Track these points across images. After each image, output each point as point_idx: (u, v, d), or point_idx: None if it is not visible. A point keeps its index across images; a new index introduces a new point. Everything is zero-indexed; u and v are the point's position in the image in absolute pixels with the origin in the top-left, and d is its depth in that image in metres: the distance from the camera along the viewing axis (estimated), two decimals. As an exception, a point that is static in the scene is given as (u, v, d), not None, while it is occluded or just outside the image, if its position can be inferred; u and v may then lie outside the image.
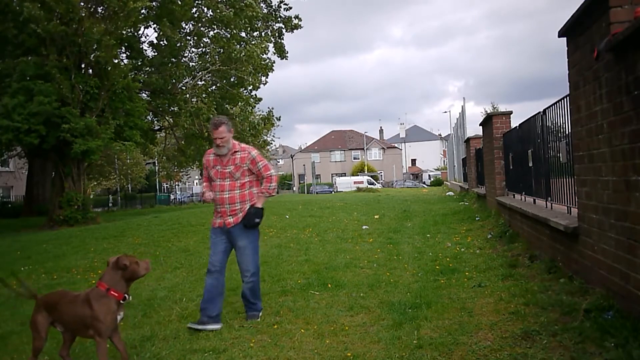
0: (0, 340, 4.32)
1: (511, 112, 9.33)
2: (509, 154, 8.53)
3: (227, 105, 23.12)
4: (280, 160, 77.72)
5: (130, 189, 48.58)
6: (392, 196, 21.21)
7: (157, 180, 50.54)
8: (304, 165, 56.71)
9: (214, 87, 22.86)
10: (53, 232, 13.86)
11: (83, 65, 17.67)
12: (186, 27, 21.36)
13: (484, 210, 10.52)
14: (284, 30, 22.80)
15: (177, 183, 58.55)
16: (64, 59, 16.19)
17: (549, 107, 5.58)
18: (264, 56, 21.66)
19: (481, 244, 7.32)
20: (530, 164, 6.66)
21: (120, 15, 16.26)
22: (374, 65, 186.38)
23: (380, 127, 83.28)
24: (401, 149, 72.65)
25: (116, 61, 17.68)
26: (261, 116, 26.55)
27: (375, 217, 11.90)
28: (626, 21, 3.16)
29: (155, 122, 24.70)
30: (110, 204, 41.88)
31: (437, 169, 65.82)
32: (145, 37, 22.29)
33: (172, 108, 22.11)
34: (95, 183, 42.10)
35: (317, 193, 40.49)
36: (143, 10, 17.80)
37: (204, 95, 21.90)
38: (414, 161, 77.14)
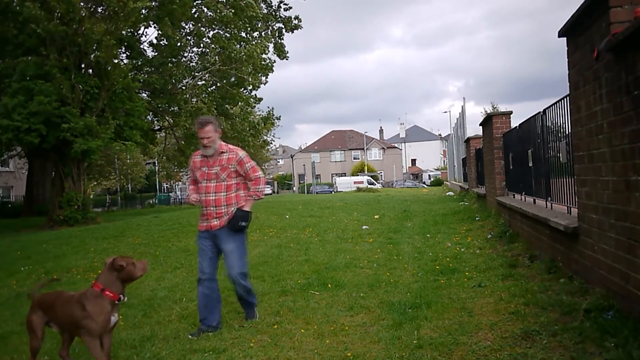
0: (0, 340, 4.33)
1: (511, 112, 9.33)
2: (509, 154, 8.53)
3: (227, 105, 23.08)
4: (280, 160, 77.79)
5: (130, 189, 48.58)
6: (392, 196, 21.23)
7: (157, 180, 50.53)
8: (304, 165, 56.72)
9: (214, 87, 22.83)
10: (53, 232, 13.86)
11: (83, 65, 17.67)
12: (186, 27, 21.37)
13: (484, 210, 10.52)
14: (283, 31, 22.79)
15: (177, 183, 58.49)
16: (64, 59, 16.19)
17: (549, 107, 5.59)
18: (264, 56, 21.67)
19: (481, 244, 7.32)
20: (530, 164, 6.66)
21: (120, 15, 16.26)
22: (374, 66, 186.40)
23: (380, 127, 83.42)
24: (401, 149, 72.62)
25: (116, 61, 17.69)
26: (261, 116, 26.61)
27: (375, 217, 11.91)
28: (626, 21, 3.16)
29: (155, 122, 24.69)
30: (108, 204, 41.84)
31: (437, 169, 65.74)
32: (145, 37, 22.26)
33: (172, 108, 22.11)
34: (95, 183, 42.08)
35: (317, 193, 40.49)
36: (143, 10, 17.78)
37: (204, 95, 21.92)
38: (414, 161, 77.10)
